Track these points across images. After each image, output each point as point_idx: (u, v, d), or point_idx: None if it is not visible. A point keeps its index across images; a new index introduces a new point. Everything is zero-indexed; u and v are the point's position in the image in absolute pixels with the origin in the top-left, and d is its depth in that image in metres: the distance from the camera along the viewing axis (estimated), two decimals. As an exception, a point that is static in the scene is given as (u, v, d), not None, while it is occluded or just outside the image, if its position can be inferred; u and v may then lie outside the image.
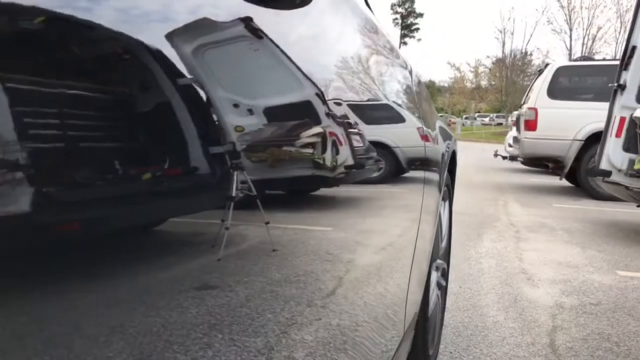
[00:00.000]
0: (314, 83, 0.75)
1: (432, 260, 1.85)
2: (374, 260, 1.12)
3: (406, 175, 1.39)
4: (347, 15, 1.11)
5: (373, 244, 1.11)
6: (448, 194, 2.31)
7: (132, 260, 0.41)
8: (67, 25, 0.36)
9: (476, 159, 15.60)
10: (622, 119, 4.69)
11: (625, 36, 4.85)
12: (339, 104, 0.86)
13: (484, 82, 55.76)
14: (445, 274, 2.35)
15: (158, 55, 0.44)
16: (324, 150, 0.76)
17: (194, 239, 0.48)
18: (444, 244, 2.26)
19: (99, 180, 0.37)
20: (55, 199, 0.34)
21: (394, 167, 1.27)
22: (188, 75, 0.47)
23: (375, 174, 1.11)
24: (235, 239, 0.54)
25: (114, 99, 0.40)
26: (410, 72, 1.65)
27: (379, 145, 1.14)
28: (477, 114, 55.81)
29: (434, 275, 1.98)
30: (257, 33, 0.61)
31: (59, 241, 0.35)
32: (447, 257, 2.50)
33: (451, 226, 2.66)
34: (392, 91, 1.36)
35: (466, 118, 52.77)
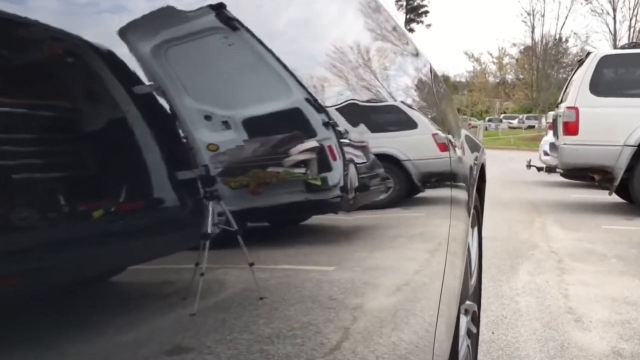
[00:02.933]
0: (302, 85, 0.75)
1: (461, 301, 1.84)
2: (392, 304, 1.11)
3: (430, 195, 1.39)
4: None
5: (391, 283, 1.10)
6: (477, 218, 2.31)
7: (83, 323, 0.39)
8: None
9: (504, 170, 15.69)
10: None
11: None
12: (337, 110, 0.86)
13: (510, 76, 56.34)
14: (475, 318, 2.33)
15: (109, 56, 0.42)
16: (320, 169, 0.76)
17: (161, 290, 0.47)
18: (473, 280, 2.25)
19: (36, 222, 0.36)
20: None
21: (404, 186, 1.27)
22: (147, 82, 0.46)
23: (382, 196, 1.11)
24: (213, 287, 0.54)
25: (52, 116, 0.39)
26: (428, 66, 1.66)
27: (385, 159, 1.14)
28: (502, 115, 56.32)
29: (463, 321, 1.97)
30: (231, 23, 0.61)
31: None
32: (477, 297, 2.49)
33: (481, 258, 2.66)
34: (403, 90, 1.37)
35: (489, 120, 53.24)
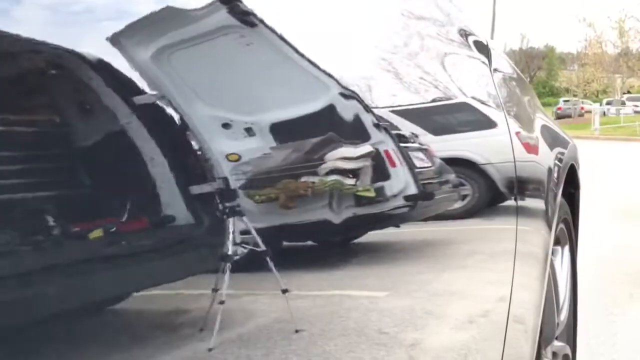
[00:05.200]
0: (339, 82, 0.78)
1: (545, 342, 1.82)
2: (461, 342, 1.12)
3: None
4: None
5: (460, 314, 1.11)
6: (567, 234, 2.25)
7: (80, 356, 0.43)
8: None
9: (627, 169, 15.20)
10: None
11: None
12: (385, 108, 0.89)
13: (634, 45, 54.48)
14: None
15: (101, 66, 0.47)
16: (366, 177, 0.79)
17: (172, 320, 0.51)
18: (563, 315, 2.18)
19: (24, 246, 0.40)
20: None
21: (484, 194, 1.28)
22: (148, 91, 0.51)
23: (458, 205, 1.13)
24: (236, 317, 0.57)
25: (39, 132, 0.43)
26: (488, 51, 1.65)
27: (460, 163, 1.16)
28: (625, 97, 54.46)
29: (550, 367, 1.93)
30: (248, 19, 0.65)
31: None
32: (571, 336, 2.40)
33: (576, 285, 2.57)
34: (467, 83, 1.38)
35: (608, 103, 51.59)
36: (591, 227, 6.18)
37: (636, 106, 50.79)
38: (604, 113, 45.03)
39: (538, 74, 66.91)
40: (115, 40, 0.50)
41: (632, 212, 8.92)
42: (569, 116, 46.81)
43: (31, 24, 0.44)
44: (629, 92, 56.71)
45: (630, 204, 9.69)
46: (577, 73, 56.76)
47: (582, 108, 47.81)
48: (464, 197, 1.16)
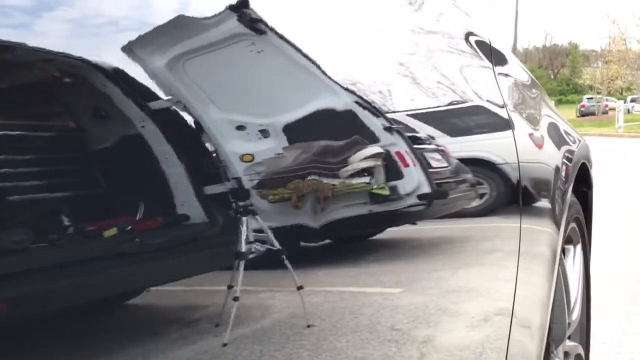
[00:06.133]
0: (345, 87, 0.80)
1: (555, 341, 1.82)
2: (476, 340, 1.13)
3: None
4: None
5: (476, 312, 1.12)
6: (579, 233, 2.23)
7: (95, 350, 0.45)
8: None
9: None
10: None
11: None
12: (398, 111, 0.91)
13: (659, 42, 53.79)
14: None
15: (121, 74, 0.50)
16: (379, 176, 0.80)
17: (187, 315, 0.53)
18: (575, 314, 2.16)
19: (40, 244, 0.42)
20: None
21: (502, 193, 1.30)
22: (165, 96, 0.53)
23: (475, 203, 1.14)
24: (250, 313, 0.59)
25: (63, 136, 0.46)
26: (492, 51, 1.64)
27: (477, 164, 1.18)
28: (650, 94, 53.88)
29: (561, 366, 1.92)
30: (258, 27, 0.67)
31: None
32: (583, 335, 2.38)
33: (589, 285, 2.54)
34: (472, 86, 1.39)
35: (632, 101, 51.10)
36: (610, 223, 6.17)
37: (660, 104, 50.15)
38: (628, 110, 44.48)
39: (562, 71, 66.38)
40: (134, 49, 0.52)
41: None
42: (593, 114, 46.46)
43: (55, 36, 0.47)
44: (653, 89, 56.05)
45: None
46: (600, 70, 56.14)
47: (606, 105, 47.45)
48: (481, 195, 1.18)
